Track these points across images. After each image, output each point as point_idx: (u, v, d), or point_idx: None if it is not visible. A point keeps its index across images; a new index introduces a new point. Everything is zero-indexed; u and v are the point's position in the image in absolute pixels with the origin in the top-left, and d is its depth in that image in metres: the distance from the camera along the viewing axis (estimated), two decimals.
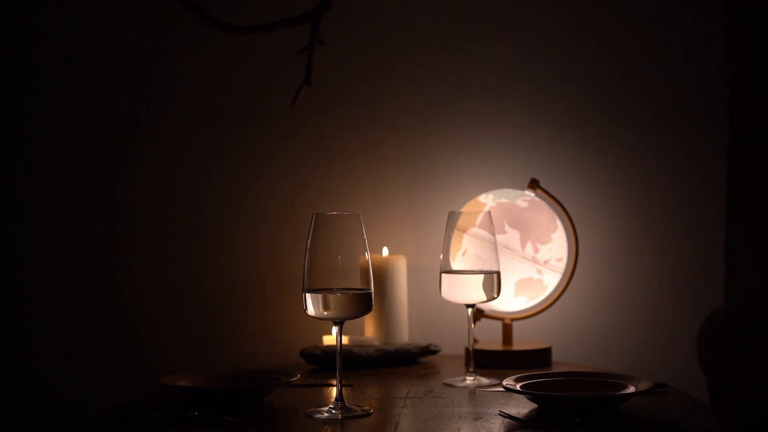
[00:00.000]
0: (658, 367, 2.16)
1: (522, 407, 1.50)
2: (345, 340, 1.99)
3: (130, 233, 2.25)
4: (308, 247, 1.46)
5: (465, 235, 1.78)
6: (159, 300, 2.24)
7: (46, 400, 2.21)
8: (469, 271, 1.75)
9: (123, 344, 2.23)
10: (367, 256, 1.47)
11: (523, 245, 1.96)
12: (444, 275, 1.75)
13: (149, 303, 2.24)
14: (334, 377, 1.67)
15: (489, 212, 1.79)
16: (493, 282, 1.74)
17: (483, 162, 2.24)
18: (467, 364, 1.78)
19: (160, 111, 2.26)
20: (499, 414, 1.44)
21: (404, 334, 2.09)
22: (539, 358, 1.95)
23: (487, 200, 2.02)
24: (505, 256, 1.94)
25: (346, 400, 1.51)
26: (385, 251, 2.13)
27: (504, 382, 1.52)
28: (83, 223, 2.24)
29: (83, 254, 2.24)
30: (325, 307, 1.46)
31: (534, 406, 1.49)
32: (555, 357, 2.06)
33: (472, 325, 1.78)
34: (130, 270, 2.24)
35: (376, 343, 2.04)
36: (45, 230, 2.24)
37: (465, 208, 2.04)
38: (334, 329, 1.68)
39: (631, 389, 1.47)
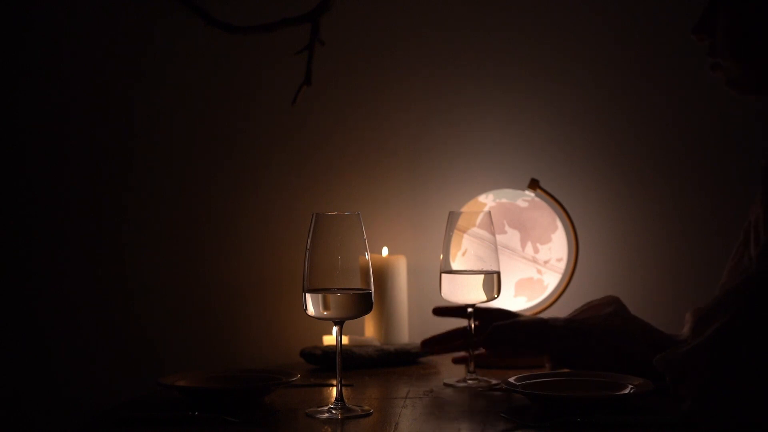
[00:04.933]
0: None
1: (522, 407, 1.50)
2: (345, 340, 1.99)
3: (131, 233, 2.25)
4: (308, 247, 1.46)
5: (465, 235, 1.78)
6: (159, 300, 2.24)
7: (45, 399, 2.21)
8: (469, 271, 1.75)
9: (123, 344, 2.23)
10: (367, 256, 1.47)
11: (523, 245, 1.96)
12: (444, 275, 1.75)
13: (149, 303, 2.24)
14: (334, 377, 1.66)
15: (489, 212, 1.78)
16: (493, 282, 1.74)
17: (483, 162, 2.24)
18: (467, 364, 1.77)
19: (160, 111, 2.26)
20: (499, 414, 1.44)
21: (404, 334, 2.09)
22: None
23: (487, 200, 2.02)
24: (505, 256, 1.94)
25: (346, 400, 1.50)
26: (385, 251, 2.13)
27: (504, 382, 1.52)
28: (87, 224, 2.25)
29: (85, 255, 2.24)
30: (325, 307, 1.46)
31: (534, 406, 1.49)
32: None
33: (473, 325, 1.78)
34: (130, 270, 2.25)
35: (376, 343, 2.03)
36: (49, 231, 2.24)
37: (465, 208, 2.03)
38: (334, 329, 1.68)
39: (631, 389, 1.47)
